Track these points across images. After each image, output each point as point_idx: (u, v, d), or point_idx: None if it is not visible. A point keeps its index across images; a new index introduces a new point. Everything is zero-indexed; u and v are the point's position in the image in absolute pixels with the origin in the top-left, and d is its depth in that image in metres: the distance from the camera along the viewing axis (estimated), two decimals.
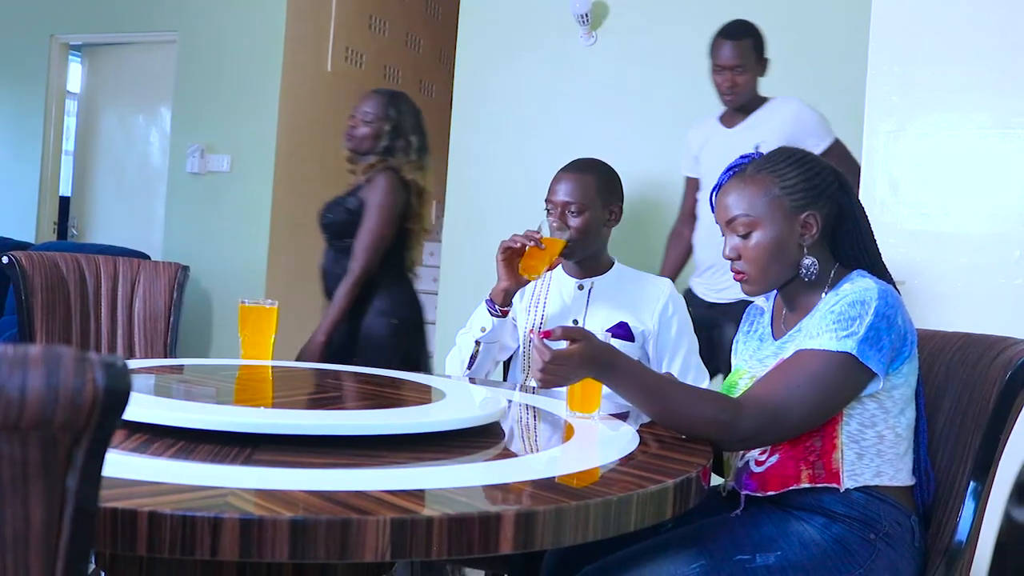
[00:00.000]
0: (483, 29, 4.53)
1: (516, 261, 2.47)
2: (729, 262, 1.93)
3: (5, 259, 2.94)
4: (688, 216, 3.77)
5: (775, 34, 3.91)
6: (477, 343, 2.53)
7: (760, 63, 3.57)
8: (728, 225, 1.91)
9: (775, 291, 2.04)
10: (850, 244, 1.91)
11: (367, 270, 3.42)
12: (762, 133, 3.34)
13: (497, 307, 2.52)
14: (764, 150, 2.24)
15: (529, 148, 4.36)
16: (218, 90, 5.65)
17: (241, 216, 5.53)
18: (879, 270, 1.89)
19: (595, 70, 4.25)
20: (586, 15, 4.13)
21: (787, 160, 1.88)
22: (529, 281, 2.51)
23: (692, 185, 3.77)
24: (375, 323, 3.48)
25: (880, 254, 1.92)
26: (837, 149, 3.43)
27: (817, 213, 1.85)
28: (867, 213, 1.94)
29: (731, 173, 1.93)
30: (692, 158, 3.76)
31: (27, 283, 2.82)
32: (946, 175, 2.78)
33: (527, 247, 2.45)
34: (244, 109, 5.56)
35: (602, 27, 4.23)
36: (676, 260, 3.78)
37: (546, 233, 2.44)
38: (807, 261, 1.86)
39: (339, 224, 3.51)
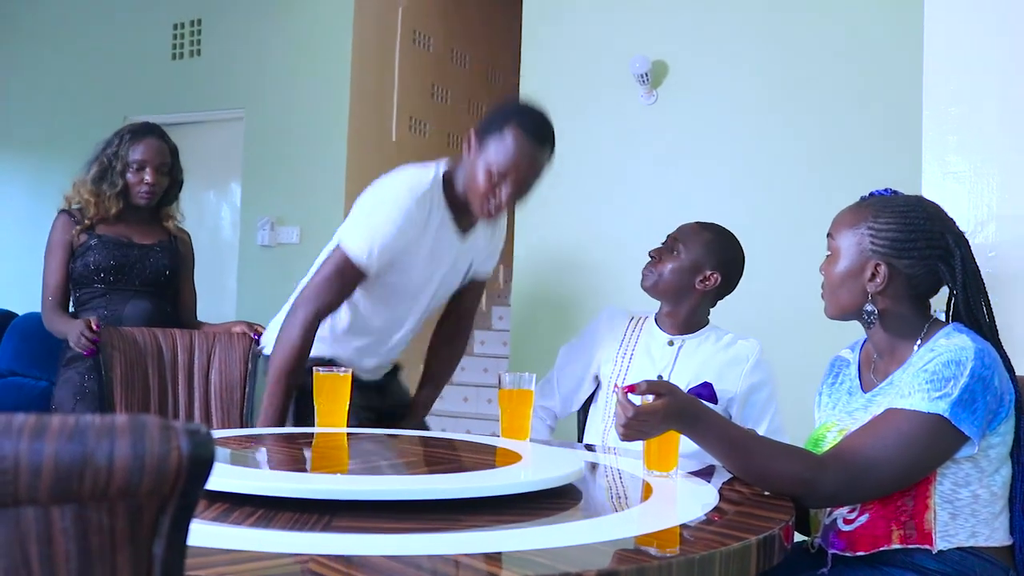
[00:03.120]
0: (543, 93, 4.55)
1: None
2: None
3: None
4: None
5: (830, 78, 3.90)
6: None
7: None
8: (827, 238, 1.92)
9: (861, 342, 2.01)
10: (954, 309, 1.86)
11: None
12: None
13: None
14: None
15: (594, 208, 4.37)
16: (285, 164, 5.76)
17: None
18: (984, 332, 1.82)
19: (657, 129, 4.26)
20: (646, 74, 4.15)
21: (896, 207, 1.84)
22: None
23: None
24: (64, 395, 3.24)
25: (991, 318, 1.85)
26: None
27: (888, 266, 1.81)
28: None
29: (863, 198, 1.92)
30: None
31: (106, 357, 2.87)
32: (1012, 216, 2.72)
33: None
34: (311, 181, 5.65)
35: (662, 85, 4.25)
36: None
37: (511, 385, 2.26)
38: (868, 307, 1.84)
39: (170, 273, 3.37)
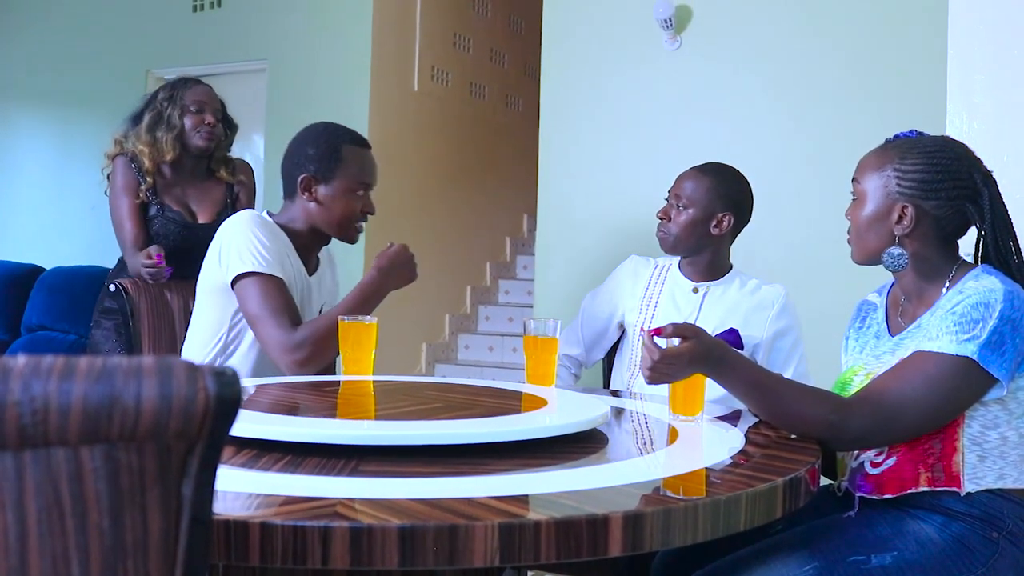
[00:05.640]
0: (567, 40, 4.53)
1: None
2: None
3: (112, 287, 3.01)
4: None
5: (855, 22, 3.85)
6: None
7: None
8: (852, 183, 1.90)
9: (888, 286, 2.00)
10: (983, 250, 1.84)
11: None
12: None
13: None
14: None
15: (619, 156, 4.34)
16: (308, 114, 5.67)
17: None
18: (1013, 273, 1.80)
19: (681, 75, 4.22)
20: (670, 20, 4.10)
21: (922, 148, 1.82)
22: None
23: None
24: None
25: (1020, 259, 1.82)
26: None
27: (915, 208, 1.79)
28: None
29: (888, 140, 1.89)
30: None
31: (134, 310, 2.89)
32: None
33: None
34: None
35: (686, 31, 4.20)
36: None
37: (537, 332, 2.29)
38: (894, 251, 1.82)
39: None
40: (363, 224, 2.64)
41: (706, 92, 4.17)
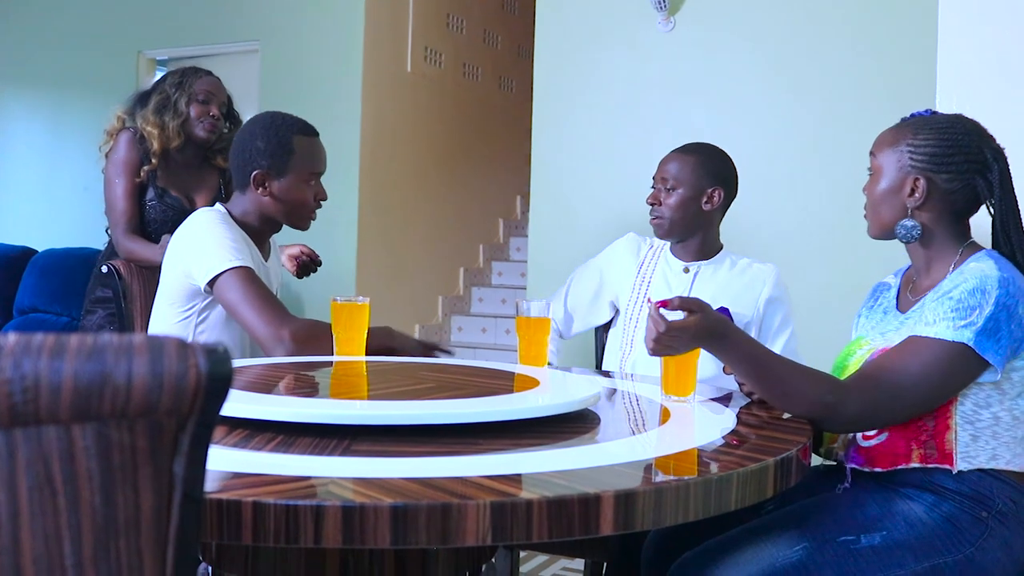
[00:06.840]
0: (561, 20, 4.52)
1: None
2: None
3: (104, 268, 3.01)
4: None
5: (851, 6, 3.84)
6: None
7: None
8: (869, 157, 1.93)
9: (904, 269, 2.02)
10: (992, 229, 1.85)
11: None
12: None
13: None
14: None
15: (612, 138, 4.34)
16: (301, 96, 5.72)
17: (329, 219, 5.56)
18: (1015, 251, 1.82)
19: (675, 56, 4.21)
20: (664, 1, 4.09)
21: (935, 123, 1.85)
22: None
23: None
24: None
25: (1020, 236, 1.83)
26: None
27: (926, 180, 1.82)
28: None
29: (904, 119, 1.92)
30: None
31: (126, 290, 2.88)
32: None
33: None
34: (327, 113, 5.60)
35: (680, 12, 4.19)
36: None
37: (529, 312, 2.30)
38: (907, 223, 1.84)
39: None
40: (316, 212, 2.61)
41: (699, 74, 4.16)
